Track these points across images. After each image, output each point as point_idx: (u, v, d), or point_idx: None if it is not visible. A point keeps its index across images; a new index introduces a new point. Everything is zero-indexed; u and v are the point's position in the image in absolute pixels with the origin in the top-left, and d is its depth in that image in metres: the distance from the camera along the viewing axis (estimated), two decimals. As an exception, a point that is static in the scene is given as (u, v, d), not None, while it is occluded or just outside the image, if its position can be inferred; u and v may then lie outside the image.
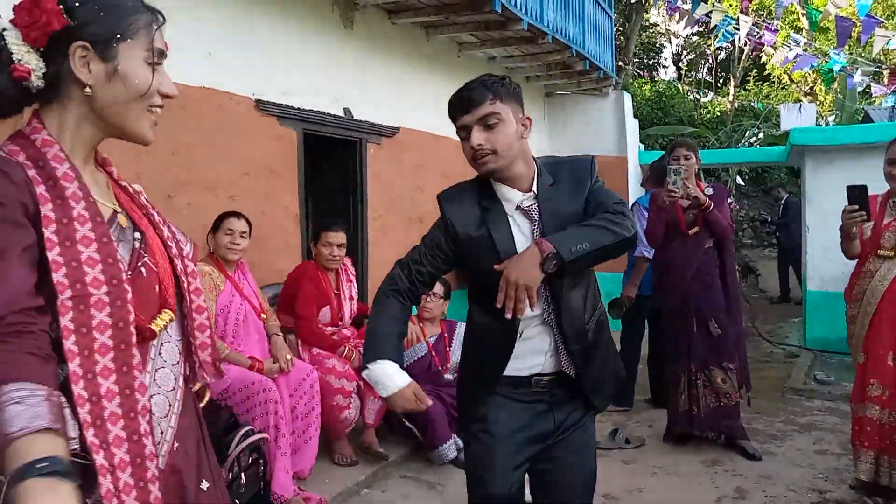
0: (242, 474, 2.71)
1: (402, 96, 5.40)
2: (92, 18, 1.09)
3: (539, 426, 1.84)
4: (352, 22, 4.87)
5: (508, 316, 1.60)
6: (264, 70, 4.13)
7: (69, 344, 1.00)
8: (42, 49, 1.08)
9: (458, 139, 1.77)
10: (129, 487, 1.04)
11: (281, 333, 3.42)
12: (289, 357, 3.29)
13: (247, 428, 2.83)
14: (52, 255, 1.00)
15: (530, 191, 1.77)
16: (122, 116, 1.14)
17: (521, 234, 1.75)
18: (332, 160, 5.04)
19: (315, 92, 4.51)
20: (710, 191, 3.83)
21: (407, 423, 3.73)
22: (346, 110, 4.79)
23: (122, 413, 1.04)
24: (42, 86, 1.10)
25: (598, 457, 3.86)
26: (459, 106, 1.72)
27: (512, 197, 1.76)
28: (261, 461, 2.84)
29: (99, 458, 1.01)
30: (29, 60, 1.08)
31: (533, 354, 1.80)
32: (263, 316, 3.38)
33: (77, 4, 1.08)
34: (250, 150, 4.03)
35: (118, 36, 1.11)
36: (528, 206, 1.75)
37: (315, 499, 3.07)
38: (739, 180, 11.99)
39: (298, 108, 4.34)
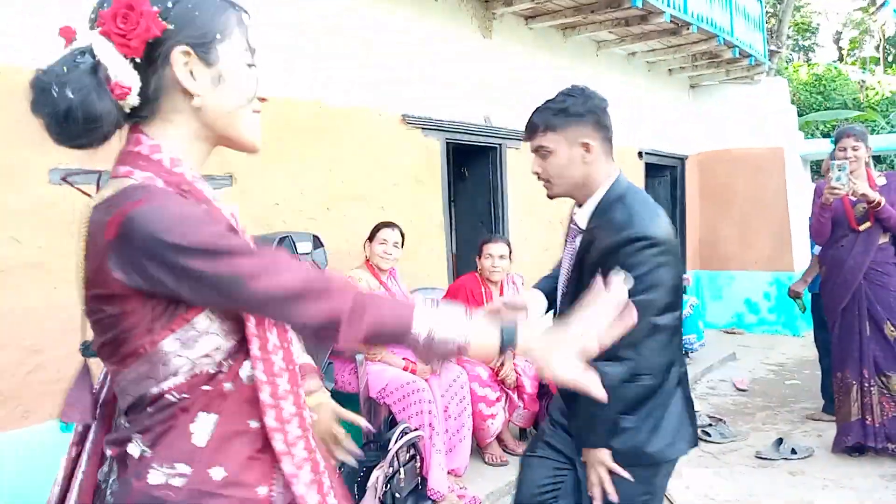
0: (401, 469, 2.87)
1: (540, 99, 5.41)
2: (189, 19, 0.96)
3: (563, 446, 1.85)
4: (490, 31, 4.97)
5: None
6: (410, 85, 4.32)
7: (254, 349, 0.99)
8: (137, 61, 0.94)
9: None
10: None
11: (430, 336, 3.57)
12: (439, 359, 3.42)
13: (404, 426, 2.99)
14: None
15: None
16: (234, 125, 1.04)
17: (567, 258, 1.81)
18: (472, 167, 5.17)
19: (456, 102, 4.65)
20: (882, 181, 3.52)
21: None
22: (486, 118, 4.89)
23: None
24: (136, 104, 0.96)
25: (762, 467, 3.69)
26: (524, 131, 1.81)
27: (577, 221, 1.79)
28: (417, 457, 3.00)
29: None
30: (127, 76, 0.94)
31: None
32: (414, 320, 3.54)
33: (171, 5, 0.95)
34: (398, 162, 4.24)
35: (217, 36, 0.99)
36: (577, 236, 1.76)
37: (469, 497, 3.17)
38: (917, 166, 10.78)
39: (441, 119, 4.49)
